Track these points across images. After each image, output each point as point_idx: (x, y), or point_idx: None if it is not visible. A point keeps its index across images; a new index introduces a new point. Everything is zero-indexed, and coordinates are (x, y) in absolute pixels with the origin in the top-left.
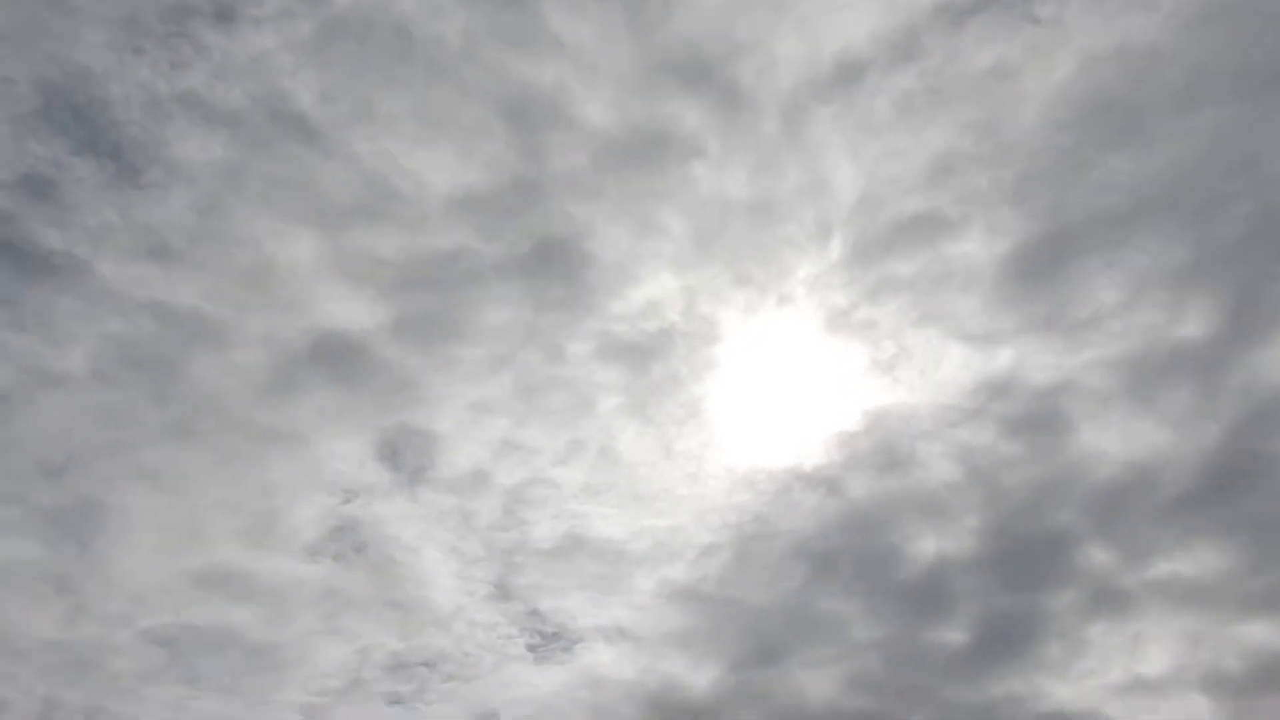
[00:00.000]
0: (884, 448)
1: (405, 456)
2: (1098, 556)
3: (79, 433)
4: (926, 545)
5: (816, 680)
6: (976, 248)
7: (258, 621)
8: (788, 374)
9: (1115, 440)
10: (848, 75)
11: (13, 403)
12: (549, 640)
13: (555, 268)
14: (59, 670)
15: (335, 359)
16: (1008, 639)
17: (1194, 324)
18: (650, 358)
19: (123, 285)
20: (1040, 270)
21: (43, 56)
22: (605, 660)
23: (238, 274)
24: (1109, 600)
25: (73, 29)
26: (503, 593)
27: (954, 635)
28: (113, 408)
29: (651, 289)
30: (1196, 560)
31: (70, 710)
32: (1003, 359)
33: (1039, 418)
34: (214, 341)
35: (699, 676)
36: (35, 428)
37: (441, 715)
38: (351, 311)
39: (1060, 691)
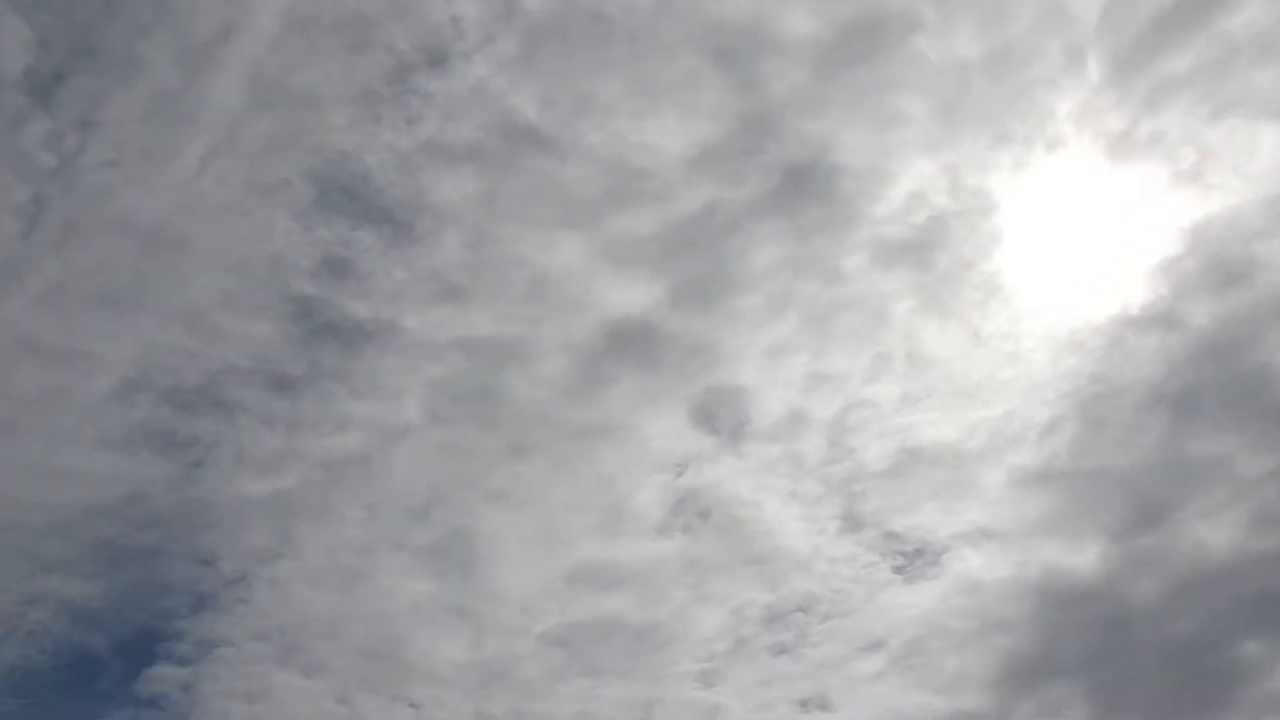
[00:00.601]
0: (1215, 263)
1: (720, 418)
2: None
3: (431, 473)
4: None
5: (1215, 529)
6: (1260, 10)
7: (634, 605)
8: (1082, 220)
9: None
10: None
11: (372, 463)
12: (913, 558)
13: (808, 191)
14: (479, 686)
15: (629, 344)
16: None
17: None
18: (930, 250)
19: (428, 332)
20: None
21: (305, 152)
22: (975, 565)
23: (521, 292)
24: None
25: (320, 119)
26: (852, 524)
27: None
28: (452, 444)
29: (909, 180)
30: None
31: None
32: None
33: None
34: (519, 360)
35: (1081, 558)
36: (395, 479)
37: (828, 655)
38: (630, 296)
39: None
